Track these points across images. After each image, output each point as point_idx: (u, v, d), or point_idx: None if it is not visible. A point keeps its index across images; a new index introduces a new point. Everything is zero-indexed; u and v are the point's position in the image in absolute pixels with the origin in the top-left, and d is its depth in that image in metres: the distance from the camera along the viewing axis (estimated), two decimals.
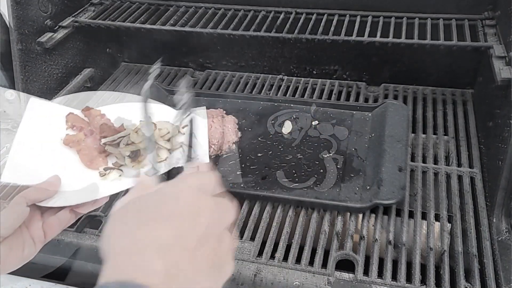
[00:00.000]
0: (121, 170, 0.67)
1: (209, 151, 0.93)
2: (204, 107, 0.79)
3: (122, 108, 0.77)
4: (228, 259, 0.38)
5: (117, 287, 0.30)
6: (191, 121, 0.65)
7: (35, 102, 0.71)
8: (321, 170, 0.89)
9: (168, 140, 0.71)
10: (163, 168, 0.66)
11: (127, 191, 0.59)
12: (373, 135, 0.95)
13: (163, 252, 0.32)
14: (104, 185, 0.64)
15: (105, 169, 0.66)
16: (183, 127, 0.73)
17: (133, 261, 0.32)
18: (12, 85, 1.01)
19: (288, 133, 0.99)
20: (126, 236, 0.34)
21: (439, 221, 0.81)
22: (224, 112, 1.02)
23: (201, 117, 0.76)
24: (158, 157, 0.68)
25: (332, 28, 1.03)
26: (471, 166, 0.91)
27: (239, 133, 0.98)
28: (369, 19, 1.05)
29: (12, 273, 0.57)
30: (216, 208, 0.37)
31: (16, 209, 0.54)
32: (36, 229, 0.56)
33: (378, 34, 0.99)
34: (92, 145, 0.69)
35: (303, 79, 1.20)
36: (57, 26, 1.09)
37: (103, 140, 0.69)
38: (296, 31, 1.03)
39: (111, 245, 0.34)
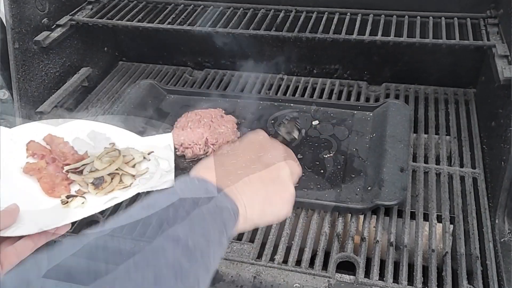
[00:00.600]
0: (84, 198, 0.66)
1: (208, 152, 0.92)
2: (170, 133, 0.79)
3: (83, 125, 0.77)
4: (289, 186, 0.53)
5: (196, 180, 0.45)
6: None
7: None
8: (322, 171, 0.88)
9: (133, 166, 0.71)
10: (127, 194, 0.66)
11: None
12: (374, 135, 0.94)
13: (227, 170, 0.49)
14: (66, 213, 0.63)
15: (67, 197, 0.65)
16: (148, 153, 0.74)
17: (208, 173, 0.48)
18: (8, 85, 0.99)
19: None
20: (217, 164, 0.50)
21: (441, 222, 0.80)
22: (223, 111, 1.01)
23: (166, 143, 0.76)
24: (122, 184, 0.68)
25: (333, 27, 1.02)
26: (473, 166, 0.90)
27: (239, 133, 0.97)
28: (370, 17, 1.04)
29: None
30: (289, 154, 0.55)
31: None
32: None
33: (379, 33, 0.98)
34: (54, 173, 0.68)
35: (303, 78, 1.19)
36: (54, 25, 1.08)
37: (66, 168, 0.69)
38: (296, 29, 1.02)
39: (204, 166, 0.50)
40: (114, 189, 0.67)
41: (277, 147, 0.56)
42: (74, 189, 0.67)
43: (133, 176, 0.69)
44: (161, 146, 0.75)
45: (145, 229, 0.40)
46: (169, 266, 0.36)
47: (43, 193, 0.66)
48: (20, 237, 0.57)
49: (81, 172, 0.69)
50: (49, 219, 0.60)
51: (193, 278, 0.38)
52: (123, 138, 0.76)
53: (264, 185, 0.50)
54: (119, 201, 0.65)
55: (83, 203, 0.65)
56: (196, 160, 0.92)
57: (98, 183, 0.67)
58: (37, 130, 0.74)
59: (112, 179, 0.68)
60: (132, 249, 0.36)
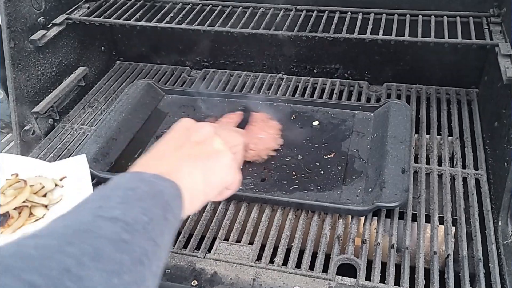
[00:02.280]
0: None
1: (247, 157, 0.87)
2: (84, 154, 0.74)
3: None
4: (221, 150, 0.51)
5: (128, 174, 0.42)
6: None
7: None
8: (322, 172, 0.87)
9: (44, 195, 0.65)
10: None
11: None
12: (375, 135, 0.93)
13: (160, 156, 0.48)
14: None
15: None
16: (60, 179, 0.69)
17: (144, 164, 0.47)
18: (4, 85, 0.98)
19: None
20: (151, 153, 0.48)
21: (443, 224, 0.79)
22: (268, 117, 0.95)
23: (81, 165, 0.71)
24: (34, 216, 0.63)
25: (333, 26, 1.01)
26: (476, 167, 0.89)
27: (281, 140, 0.92)
28: (371, 16, 1.03)
29: None
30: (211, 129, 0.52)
31: None
32: None
33: (381, 31, 0.97)
34: None
35: (303, 78, 1.18)
36: (50, 24, 1.07)
37: None
38: (296, 28, 1.01)
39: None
40: (24, 224, 0.61)
41: (204, 125, 0.53)
42: None
43: (46, 206, 0.64)
44: (75, 169, 0.70)
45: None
46: (108, 240, 0.33)
47: None
48: None
49: None
50: None
51: (139, 251, 0.35)
52: (28, 166, 0.70)
53: (199, 158, 0.48)
54: None
55: None
56: None
57: (3, 220, 0.61)
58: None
59: (20, 213, 0.62)
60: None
